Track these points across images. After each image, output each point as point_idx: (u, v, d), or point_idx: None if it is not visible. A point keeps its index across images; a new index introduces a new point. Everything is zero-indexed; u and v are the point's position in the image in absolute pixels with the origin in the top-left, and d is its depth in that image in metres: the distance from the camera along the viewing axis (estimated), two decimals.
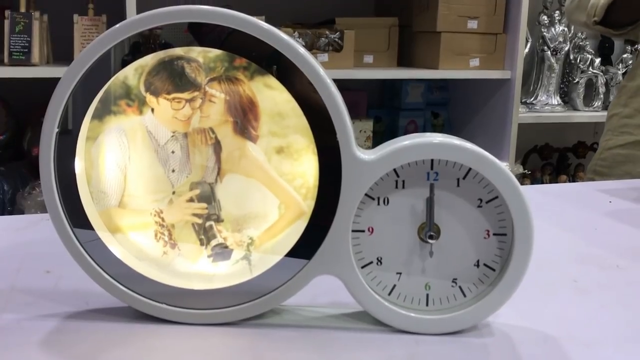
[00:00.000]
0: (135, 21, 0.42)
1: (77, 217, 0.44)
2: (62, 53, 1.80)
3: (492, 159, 0.42)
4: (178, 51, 0.43)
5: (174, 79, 0.43)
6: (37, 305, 0.47)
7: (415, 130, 2.32)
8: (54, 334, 0.43)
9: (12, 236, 0.64)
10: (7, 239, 0.63)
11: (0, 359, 0.40)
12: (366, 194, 0.43)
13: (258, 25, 0.41)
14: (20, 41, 1.65)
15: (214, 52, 0.43)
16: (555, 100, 2.30)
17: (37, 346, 0.42)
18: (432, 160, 0.43)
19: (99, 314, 0.46)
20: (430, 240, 0.43)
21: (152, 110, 0.44)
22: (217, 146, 0.44)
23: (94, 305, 0.47)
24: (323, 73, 0.42)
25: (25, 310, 0.47)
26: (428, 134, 0.44)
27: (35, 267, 0.55)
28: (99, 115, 0.44)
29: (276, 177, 0.44)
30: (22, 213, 1.70)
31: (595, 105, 2.34)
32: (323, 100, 0.42)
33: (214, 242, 0.45)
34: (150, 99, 0.44)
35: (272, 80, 0.43)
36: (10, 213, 1.74)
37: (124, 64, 0.43)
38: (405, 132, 2.29)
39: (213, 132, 0.44)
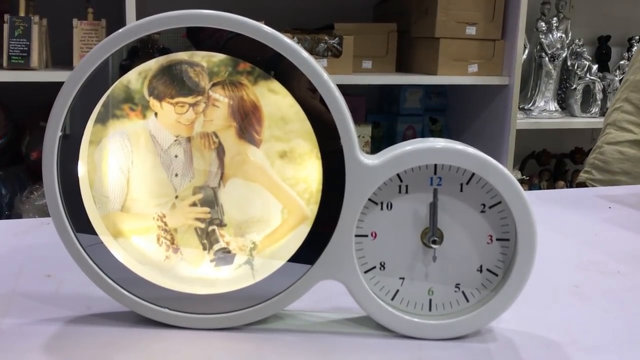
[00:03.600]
0: (140, 25, 0.42)
1: (80, 221, 0.44)
2: (61, 57, 1.80)
3: (495, 164, 0.42)
4: (182, 55, 0.43)
5: (177, 83, 0.43)
6: (39, 310, 0.47)
7: (414, 136, 2.32)
8: (55, 339, 0.43)
9: (12, 240, 0.64)
10: (7, 243, 0.63)
11: None
12: (369, 199, 0.43)
13: (262, 30, 0.41)
14: (19, 45, 1.65)
15: (218, 57, 0.43)
16: (553, 106, 2.30)
17: (38, 351, 0.41)
18: (435, 165, 0.43)
19: (101, 319, 0.46)
20: (433, 245, 0.43)
21: (156, 114, 0.44)
22: (221, 150, 0.44)
23: (95, 309, 0.47)
24: (327, 77, 0.42)
25: (26, 314, 0.46)
26: (431, 139, 0.44)
27: (36, 271, 0.55)
28: (102, 120, 0.44)
29: (279, 181, 0.44)
30: (20, 217, 1.69)
31: (592, 112, 2.35)
32: (327, 105, 0.42)
33: (216, 247, 0.45)
34: (153, 103, 0.44)
35: (276, 85, 0.43)
36: (8, 217, 1.74)
37: (122, 68, 0.43)
38: (404, 138, 2.29)
39: (216, 136, 0.44)
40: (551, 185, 2.52)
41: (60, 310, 0.47)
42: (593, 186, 1.24)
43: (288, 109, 0.43)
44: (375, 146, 2.17)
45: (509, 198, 0.42)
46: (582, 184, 1.28)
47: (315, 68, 0.41)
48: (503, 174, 0.42)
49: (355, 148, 0.42)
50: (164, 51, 0.43)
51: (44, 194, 0.44)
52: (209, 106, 0.44)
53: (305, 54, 0.41)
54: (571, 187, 2.48)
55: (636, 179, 1.18)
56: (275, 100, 0.43)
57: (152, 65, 0.43)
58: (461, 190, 0.43)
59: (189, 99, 0.43)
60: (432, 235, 0.43)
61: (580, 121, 2.32)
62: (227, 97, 0.43)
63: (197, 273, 0.46)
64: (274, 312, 0.45)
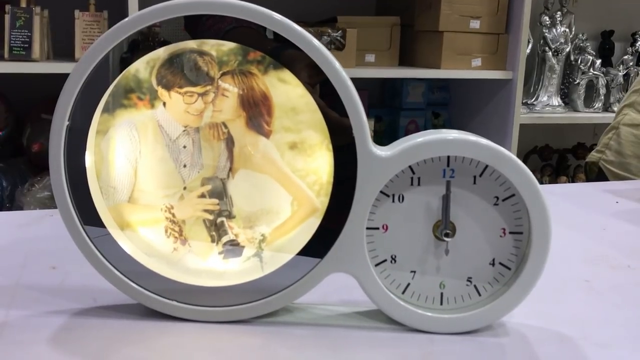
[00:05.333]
0: (144, 14, 0.41)
1: (86, 213, 0.44)
2: (62, 49, 1.79)
3: (509, 156, 0.41)
4: (191, 44, 0.42)
5: (186, 72, 0.43)
6: (44, 302, 0.47)
7: (416, 130, 2.31)
8: (62, 331, 0.42)
9: (15, 232, 0.63)
10: (10, 235, 0.62)
11: (9, 356, 0.39)
12: (381, 191, 0.42)
13: (272, 17, 0.41)
14: (20, 36, 1.63)
15: (228, 46, 0.42)
16: (556, 101, 2.29)
17: (44, 343, 0.41)
18: (448, 157, 0.42)
19: (108, 311, 0.45)
20: (445, 239, 0.43)
21: (164, 104, 0.43)
22: (230, 141, 0.44)
23: (102, 302, 0.46)
24: (339, 66, 0.41)
25: (32, 306, 0.46)
26: (444, 130, 0.43)
27: (40, 263, 0.54)
28: (110, 109, 0.43)
29: (289, 173, 0.44)
30: (21, 209, 1.68)
31: (595, 107, 2.34)
32: (339, 95, 0.41)
33: (225, 239, 0.45)
34: (162, 92, 0.43)
35: (287, 75, 0.42)
36: (9, 209, 1.73)
37: (123, 61, 0.42)
38: (406, 132, 2.29)
39: (225, 126, 0.43)
40: (553, 181, 2.51)
41: (66, 302, 0.46)
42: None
43: (299, 99, 0.43)
44: (377, 140, 2.14)
45: (523, 190, 0.42)
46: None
47: (328, 57, 0.41)
48: (517, 166, 0.41)
49: (368, 139, 0.42)
50: (164, 44, 0.42)
51: (47, 186, 0.43)
52: (218, 96, 0.43)
53: (317, 42, 0.41)
54: (573, 182, 2.47)
55: None
56: (285, 90, 0.43)
57: (161, 54, 0.42)
58: (474, 183, 0.42)
59: (198, 89, 0.43)
60: (444, 228, 0.42)
61: (583, 116, 2.31)
62: (237, 86, 0.43)
63: (205, 265, 0.45)
64: (283, 305, 0.44)
